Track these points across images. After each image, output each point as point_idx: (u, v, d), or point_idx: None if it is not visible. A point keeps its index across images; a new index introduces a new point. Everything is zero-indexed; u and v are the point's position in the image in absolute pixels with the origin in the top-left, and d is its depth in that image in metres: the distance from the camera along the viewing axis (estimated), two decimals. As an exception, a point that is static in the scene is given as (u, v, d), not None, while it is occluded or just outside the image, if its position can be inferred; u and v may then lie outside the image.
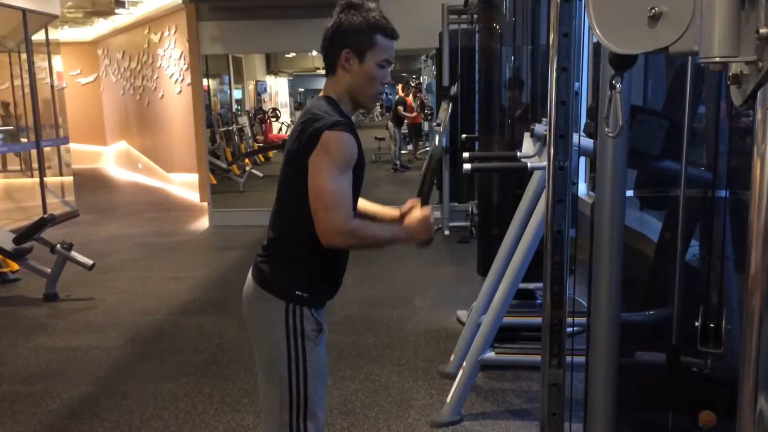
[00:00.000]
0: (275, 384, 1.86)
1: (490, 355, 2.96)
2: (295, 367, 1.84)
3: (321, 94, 1.88)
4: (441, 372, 3.46)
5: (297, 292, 1.83)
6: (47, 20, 8.47)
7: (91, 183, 11.65)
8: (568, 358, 2.12)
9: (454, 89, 6.19)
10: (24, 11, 7.41)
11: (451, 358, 3.47)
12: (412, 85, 13.87)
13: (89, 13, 11.24)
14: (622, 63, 0.90)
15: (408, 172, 11.61)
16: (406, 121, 12.63)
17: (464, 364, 2.94)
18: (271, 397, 1.89)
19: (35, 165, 8.88)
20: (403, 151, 12.54)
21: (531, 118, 3.82)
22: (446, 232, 6.76)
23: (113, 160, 13.79)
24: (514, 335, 3.44)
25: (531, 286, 3.85)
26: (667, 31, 0.82)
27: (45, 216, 4.93)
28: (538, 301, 3.73)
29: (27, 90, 8.62)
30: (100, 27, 12.65)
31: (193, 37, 7.41)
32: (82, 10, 10.75)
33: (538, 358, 2.09)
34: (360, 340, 3.94)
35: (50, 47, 9.02)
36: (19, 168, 11.35)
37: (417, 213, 1.90)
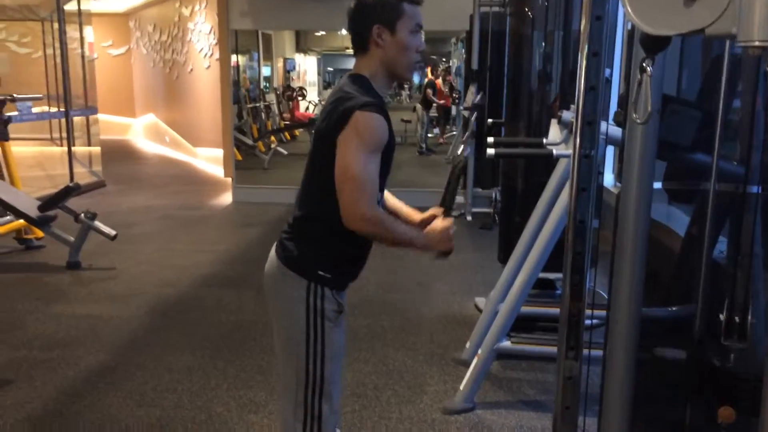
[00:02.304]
0: (293, 362, 1.86)
1: (506, 344, 2.92)
2: (314, 347, 1.83)
3: (353, 71, 1.85)
4: (456, 359, 3.43)
5: (320, 272, 1.82)
6: (80, -10, 8.50)
7: (118, 154, 11.75)
8: (585, 351, 2.07)
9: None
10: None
11: (467, 345, 3.44)
12: (442, 68, 13.73)
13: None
14: (654, 45, 0.84)
15: (433, 156, 11.53)
16: (434, 105, 12.52)
17: (479, 351, 2.91)
18: (288, 375, 1.88)
19: (64, 134, 9.00)
20: (429, 135, 12.43)
21: (560, 105, 3.74)
22: (468, 218, 6.70)
23: (142, 132, 13.90)
24: (532, 325, 3.40)
25: (551, 276, 3.80)
26: (703, 12, 0.76)
27: (70, 185, 4.97)
28: (558, 292, 3.68)
29: (59, 60, 8.70)
30: (133, -1, 12.70)
31: (223, 11, 7.39)
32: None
33: (554, 349, 2.05)
34: (375, 323, 3.92)
35: (82, 18, 9.06)
36: (48, 136, 11.53)
37: (439, 223, 1.88)
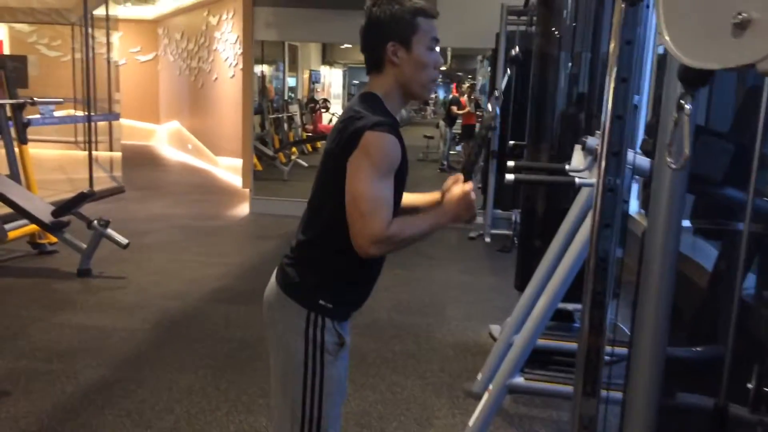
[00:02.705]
0: (288, 396, 1.74)
1: (519, 380, 2.78)
2: (311, 382, 1.71)
3: (365, 89, 1.75)
4: (467, 390, 3.29)
5: (321, 302, 1.70)
6: (109, -4, 8.55)
7: (141, 160, 11.79)
8: (604, 392, 1.94)
9: (504, 83, 5.94)
10: (86, -14, 7.47)
11: (479, 377, 3.29)
12: (467, 85, 13.63)
13: (151, -8, 11.37)
14: (694, 79, 0.72)
15: (455, 173, 11.41)
16: (458, 121, 12.42)
17: (490, 387, 2.77)
18: (282, 410, 1.77)
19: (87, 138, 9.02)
20: (451, 152, 12.32)
21: (584, 129, 3.61)
22: (487, 240, 6.56)
23: (165, 138, 13.96)
24: (547, 359, 3.25)
25: (569, 306, 3.65)
26: (755, 44, 0.64)
27: (84, 191, 4.93)
28: (576, 325, 3.53)
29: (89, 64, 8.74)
30: (162, 6, 12.79)
31: (248, 22, 7.36)
32: (145, -12, 10.87)
33: (570, 388, 1.91)
34: (385, 347, 3.79)
35: (110, 23, 9.12)
36: (73, 139, 11.61)
37: (457, 190, 1.74)
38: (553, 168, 3.30)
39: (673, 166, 0.88)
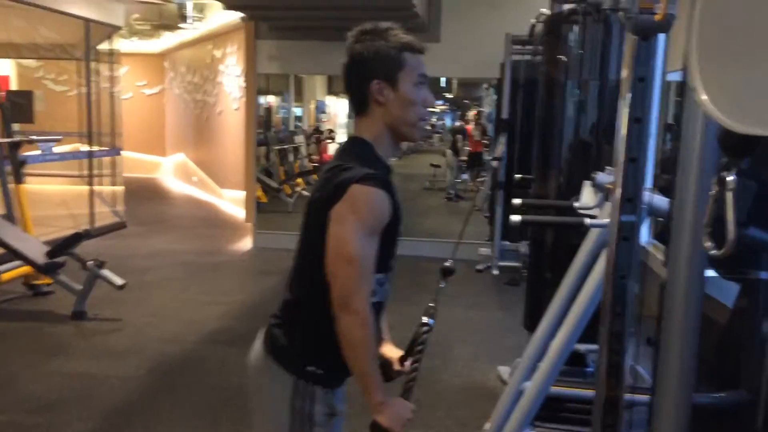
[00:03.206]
0: None
1: (530, 435, 2.59)
2: None
3: (354, 134, 1.60)
4: (475, 440, 3.09)
5: (309, 368, 1.55)
6: (111, 31, 8.54)
7: (146, 193, 11.72)
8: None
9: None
10: (87, 21, 7.44)
11: (487, 426, 3.10)
12: (473, 112, 13.53)
13: (156, 26, 11.40)
14: (739, 147, 0.57)
15: (462, 203, 11.23)
16: (466, 149, 12.29)
17: (499, 441, 2.58)
18: None
19: (95, 172, 8.95)
20: (458, 180, 12.16)
21: (594, 160, 3.45)
22: (495, 272, 6.36)
23: (171, 171, 13.91)
24: (558, 406, 3.05)
25: (582, 348, 3.46)
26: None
27: (79, 231, 4.81)
28: (590, 369, 3.33)
29: (93, 98, 8.71)
30: (168, 40, 12.83)
31: (251, 55, 7.30)
32: (150, 22, 10.90)
33: None
34: (388, 392, 3.60)
35: (114, 58, 9.10)
36: (78, 174, 11.55)
37: (401, 407, 1.63)
38: (562, 205, 3.14)
39: (715, 253, 0.72)
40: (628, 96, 1.56)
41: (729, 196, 0.62)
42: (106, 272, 4.76)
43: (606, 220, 2.60)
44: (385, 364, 1.76)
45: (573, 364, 3.31)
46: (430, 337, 1.76)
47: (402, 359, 1.78)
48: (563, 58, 3.99)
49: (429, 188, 12.53)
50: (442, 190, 12.10)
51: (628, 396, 1.83)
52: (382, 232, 1.49)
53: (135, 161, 13.84)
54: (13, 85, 12.39)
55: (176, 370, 3.86)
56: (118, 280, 4.77)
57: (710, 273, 1.78)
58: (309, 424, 1.54)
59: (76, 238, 4.78)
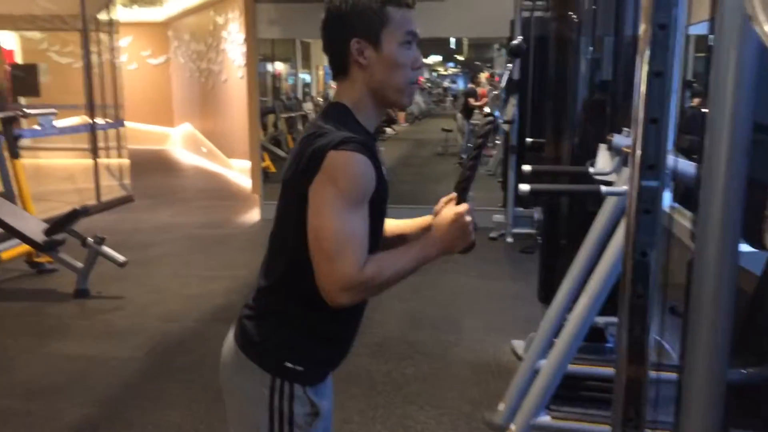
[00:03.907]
0: None
1: (545, 419, 2.43)
2: None
3: (333, 99, 1.41)
4: (487, 421, 2.94)
5: (287, 364, 1.38)
6: (108, -1, 8.31)
7: (154, 165, 11.60)
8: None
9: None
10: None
11: (500, 407, 2.95)
12: (485, 74, 13.21)
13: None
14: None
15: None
16: (476, 112, 12.00)
17: (512, 426, 2.42)
18: None
19: (100, 145, 8.81)
20: (470, 145, 11.90)
21: (609, 124, 3.22)
22: (509, 240, 6.18)
23: (180, 142, 13.76)
24: (576, 385, 2.88)
25: (601, 320, 3.28)
26: None
27: (77, 208, 4.66)
28: (609, 345, 3.16)
29: (96, 70, 8.52)
30: (171, 8, 12.56)
31: (250, 20, 7.07)
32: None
33: (607, 429, 1.57)
34: (397, 370, 3.46)
35: (114, 27, 8.88)
36: (86, 147, 11.43)
37: (448, 212, 1.36)
38: (576, 172, 2.93)
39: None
40: (647, 48, 1.34)
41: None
42: (106, 249, 4.63)
43: (624, 188, 2.40)
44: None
45: (590, 340, 3.13)
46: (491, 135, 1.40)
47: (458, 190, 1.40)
48: (574, 15, 3.74)
49: (441, 153, 12.30)
50: (455, 155, 11.86)
51: (652, 374, 1.66)
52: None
53: (143, 133, 13.70)
54: (18, 59, 12.23)
55: (176, 350, 3.73)
56: (120, 258, 4.64)
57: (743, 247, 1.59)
58: (289, 426, 1.38)
59: (74, 215, 4.64)
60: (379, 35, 1.31)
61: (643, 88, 1.33)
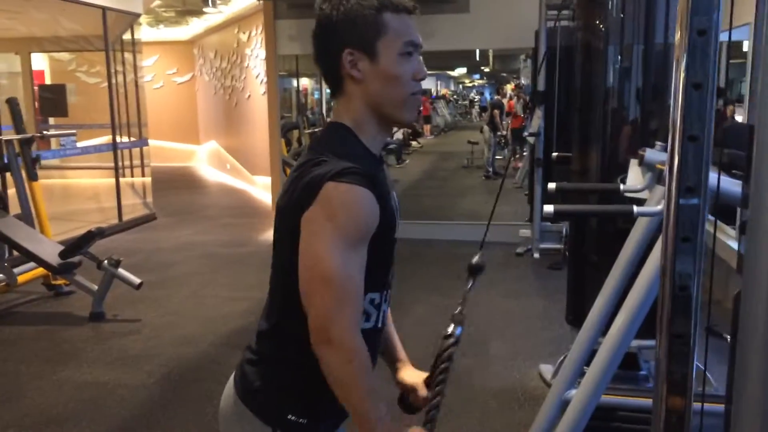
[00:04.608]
0: None
1: (574, 458, 2.24)
2: None
3: (332, 118, 1.27)
4: (512, 456, 2.76)
5: (290, 416, 1.24)
6: (132, 19, 8.33)
7: (179, 182, 11.61)
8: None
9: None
10: (104, 9, 7.23)
11: (525, 440, 2.76)
12: (511, 86, 13.01)
13: (181, 12, 11.18)
14: None
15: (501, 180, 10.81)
16: (502, 125, 11.81)
17: (538, 466, 2.24)
18: None
19: (125, 163, 8.82)
20: (497, 157, 11.70)
21: (641, 138, 3.04)
22: (536, 255, 5.97)
23: (205, 159, 13.80)
24: (608, 417, 2.68)
25: (633, 343, 3.07)
26: None
27: (92, 230, 4.59)
28: (643, 372, 2.95)
29: (120, 90, 8.54)
30: (195, 26, 12.63)
31: (270, 36, 7.01)
32: (173, 9, 10.68)
33: None
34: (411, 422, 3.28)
35: (137, 47, 8.91)
36: (111, 165, 11.49)
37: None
38: (605, 189, 2.75)
39: None
40: (683, 57, 1.17)
41: None
42: (122, 271, 4.55)
43: (658, 207, 2.22)
44: (406, 391, 1.44)
45: (621, 366, 2.93)
46: (457, 351, 1.41)
47: (428, 382, 1.42)
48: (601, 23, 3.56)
49: (467, 166, 12.13)
50: (481, 168, 11.67)
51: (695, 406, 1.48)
52: (370, 240, 1.17)
53: (169, 150, 13.76)
54: (48, 79, 12.38)
55: (190, 377, 3.61)
56: (135, 280, 4.56)
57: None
58: (292, 486, 1.23)
59: (90, 236, 4.57)
60: (374, 45, 1.17)
61: (680, 101, 1.16)
